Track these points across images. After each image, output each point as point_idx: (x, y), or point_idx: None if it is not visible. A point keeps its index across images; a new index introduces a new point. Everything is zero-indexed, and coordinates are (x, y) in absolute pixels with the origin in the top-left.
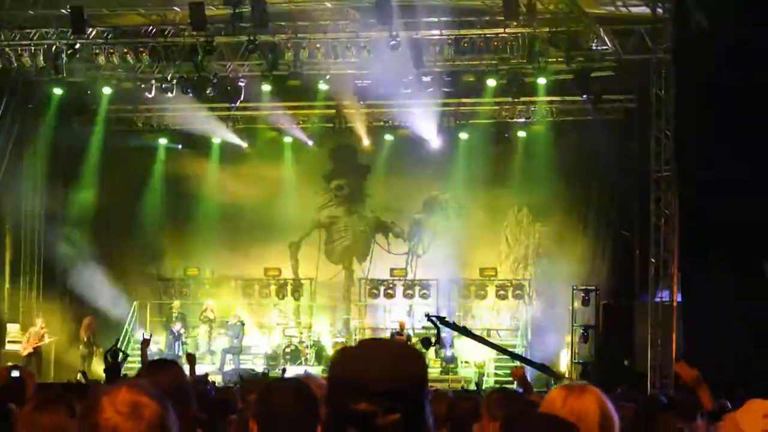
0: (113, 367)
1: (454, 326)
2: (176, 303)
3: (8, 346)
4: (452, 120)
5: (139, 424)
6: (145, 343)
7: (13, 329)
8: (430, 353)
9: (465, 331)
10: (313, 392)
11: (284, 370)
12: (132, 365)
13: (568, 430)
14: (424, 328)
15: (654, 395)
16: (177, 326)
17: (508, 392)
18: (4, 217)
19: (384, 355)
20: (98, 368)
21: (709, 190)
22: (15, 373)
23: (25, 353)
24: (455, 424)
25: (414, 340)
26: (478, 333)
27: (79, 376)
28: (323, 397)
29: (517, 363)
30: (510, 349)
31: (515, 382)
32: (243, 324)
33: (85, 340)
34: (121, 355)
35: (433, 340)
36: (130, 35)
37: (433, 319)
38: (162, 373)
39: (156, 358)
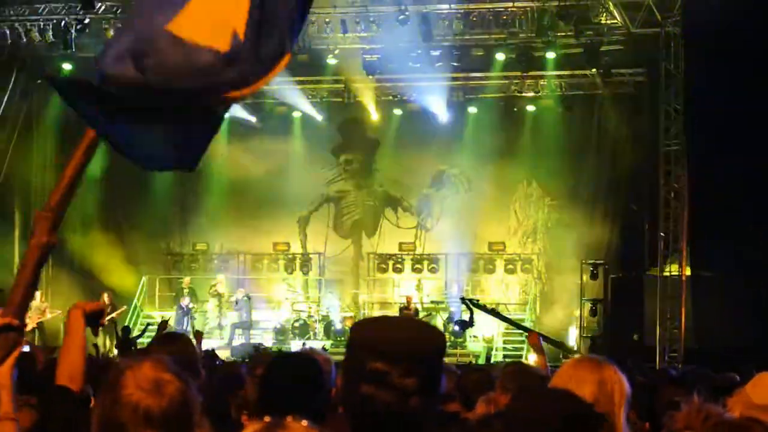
0: (126, 343)
1: (485, 309)
2: (186, 279)
3: None
4: (461, 94)
5: (161, 400)
6: (163, 325)
7: (32, 303)
8: (439, 327)
9: (496, 314)
10: (319, 367)
11: (311, 348)
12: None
13: (579, 405)
14: (432, 302)
15: (663, 369)
16: (185, 301)
17: (524, 366)
18: (14, 192)
19: (405, 324)
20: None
21: (719, 165)
22: (26, 348)
23: (28, 329)
24: (464, 395)
25: (422, 314)
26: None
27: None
28: (329, 372)
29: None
30: (540, 332)
31: (532, 348)
32: (249, 298)
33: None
34: (138, 329)
35: (468, 320)
36: None
37: (467, 301)
38: (170, 345)
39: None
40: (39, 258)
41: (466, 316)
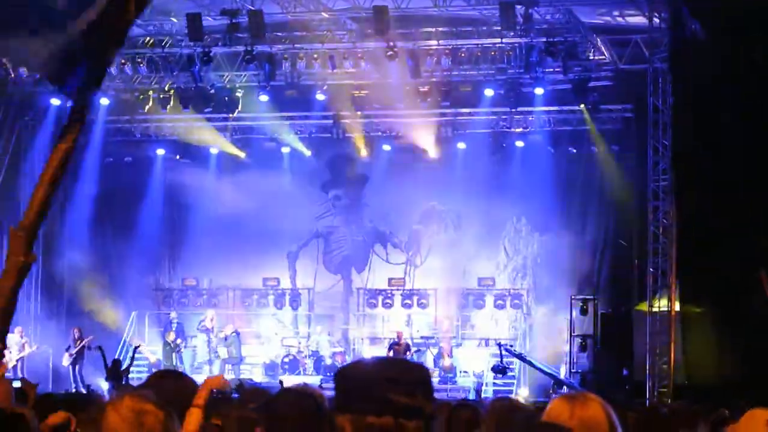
0: (115, 376)
1: (517, 355)
2: (173, 313)
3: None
4: (450, 130)
5: (141, 430)
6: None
7: (11, 339)
8: (429, 362)
9: (522, 358)
10: (320, 401)
11: (281, 382)
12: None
13: None
14: (422, 338)
15: (654, 404)
16: (171, 337)
17: (511, 401)
18: (2, 226)
19: (394, 359)
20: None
21: (706, 199)
22: (16, 384)
23: (10, 366)
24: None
25: (413, 350)
26: (476, 342)
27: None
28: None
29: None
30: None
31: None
32: (238, 334)
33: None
34: (126, 362)
35: (503, 366)
36: (127, 46)
37: (502, 347)
38: (169, 383)
39: (154, 369)
40: (18, 278)
41: (504, 362)
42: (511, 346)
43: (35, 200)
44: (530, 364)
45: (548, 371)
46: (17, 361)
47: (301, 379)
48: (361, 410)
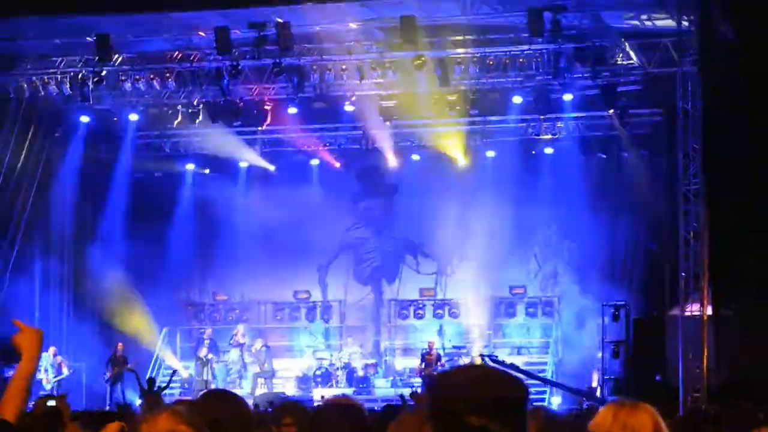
0: (151, 394)
1: (503, 363)
2: (208, 330)
3: (39, 376)
4: (479, 138)
5: None
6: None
7: (45, 359)
8: None
9: (514, 367)
10: (362, 413)
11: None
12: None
13: None
14: (454, 347)
15: (694, 408)
16: (203, 352)
17: (543, 412)
18: (33, 243)
19: (490, 376)
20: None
21: (738, 203)
22: (51, 403)
23: (48, 388)
24: None
25: (444, 360)
26: (507, 352)
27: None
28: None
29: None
30: (552, 379)
31: None
32: (268, 348)
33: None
34: (162, 384)
35: None
36: (155, 61)
37: (486, 358)
38: (219, 403)
39: (186, 384)
40: None
41: None
42: (496, 356)
43: None
44: (526, 373)
45: (550, 380)
46: (54, 383)
47: (334, 391)
48: (439, 425)
